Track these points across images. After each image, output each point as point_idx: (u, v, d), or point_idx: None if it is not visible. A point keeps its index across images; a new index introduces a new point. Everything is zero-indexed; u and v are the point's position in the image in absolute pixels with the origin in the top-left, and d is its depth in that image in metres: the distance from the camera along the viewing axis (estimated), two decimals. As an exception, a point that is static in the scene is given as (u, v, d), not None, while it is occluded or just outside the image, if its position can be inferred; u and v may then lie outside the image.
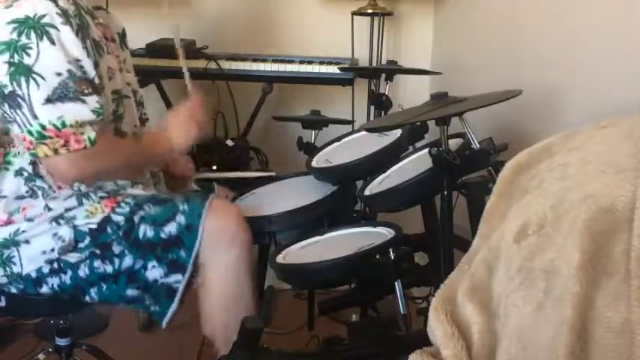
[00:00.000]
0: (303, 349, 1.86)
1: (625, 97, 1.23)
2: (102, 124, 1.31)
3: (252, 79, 2.25)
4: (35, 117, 1.24)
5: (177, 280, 1.37)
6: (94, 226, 1.35)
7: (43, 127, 1.24)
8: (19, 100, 1.23)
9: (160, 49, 2.24)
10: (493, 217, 1.04)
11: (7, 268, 1.34)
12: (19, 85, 1.23)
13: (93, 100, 1.28)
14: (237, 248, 1.38)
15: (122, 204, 1.38)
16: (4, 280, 1.36)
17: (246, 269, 1.41)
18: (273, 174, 1.72)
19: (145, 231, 1.36)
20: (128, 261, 1.36)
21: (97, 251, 1.35)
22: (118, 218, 1.36)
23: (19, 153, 1.34)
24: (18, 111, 1.24)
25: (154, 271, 1.37)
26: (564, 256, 0.81)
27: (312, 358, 1.49)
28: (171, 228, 1.36)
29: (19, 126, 1.25)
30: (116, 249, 1.36)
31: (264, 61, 2.25)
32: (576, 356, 0.77)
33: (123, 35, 1.57)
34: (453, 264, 1.19)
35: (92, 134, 1.28)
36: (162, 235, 1.36)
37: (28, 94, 1.23)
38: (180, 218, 1.36)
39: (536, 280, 0.84)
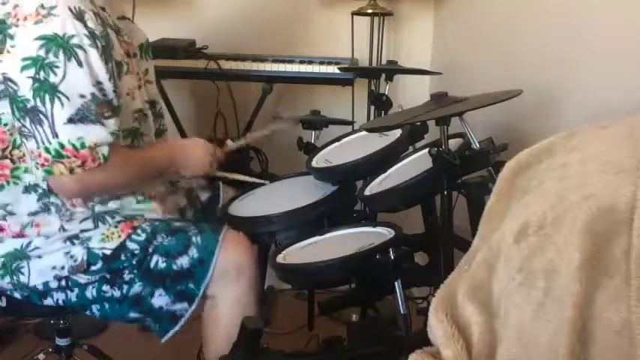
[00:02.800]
0: (303, 349, 1.86)
1: (625, 97, 1.23)
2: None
3: (252, 79, 2.25)
4: (55, 135, 1.23)
5: (184, 308, 1.37)
6: (108, 252, 1.34)
7: (62, 147, 1.23)
8: (41, 116, 1.22)
9: (160, 49, 2.24)
10: (493, 217, 1.04)
11: (15, 277, 1.34)
12: (43, 102, 1.22)
13: (112, 123, 1.28)
14: (245, 280, 1.39)
15: (139, 231, 1.37)
16: (10, 286, 1.35)
17: (253, 301, 1.41)
18: (266, 182, 1.72)
19: (157, 262, 1.35)
20: (137, 288, 1.36)
21: (108, 276, 1.35)
22: (133, 246, 1.35)
23: (30, 170, 1.32)
24: (38, 127, 1.23)
25: (160, 299, 1.36)
26: (564, 256, 0.81)
27: (312, 358, 1.49)
28: (183, 261, 1.35)
29: (37, 142, 1.24)
30: (127, 277, 1.35)
31: (264, 61, 2.25)
32: (576, 356, 0.77)
33: (147, 46, 1.56)
34: (453, 264, 1.19)
35: (106, 150, 1.27)
36: (174, 267, 1.35)
37: (52, 113, 1.22)
38: (193, 252, 1.36)
39: (537, 280, 0.84)
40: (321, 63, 2.25)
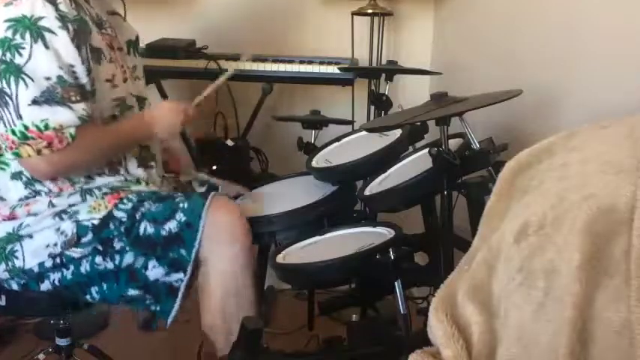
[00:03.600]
0: (303, 349, 1.86)
1: (625, 97, 1.23)
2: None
3: (252, 79, 2.25)
4: (20, 117, 1.24)
5: (179, 278, 1.37)
6: (97, 222, 1.35)
7: (26, 128, 1.24)
8: (7, 98, 1.24)
9: (160, 49, 2.24)
10: (493, 217, 1.04)
11: (10, 263, 1.35)
12: (8, 84, 1.23)
13: (79, 107, 1.29)
14: (237, 244, 1.39)
15: (125, 200, 1.38)
16: (6, 275, 1.36)
17: (246, 265, 1.41)
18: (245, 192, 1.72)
19: (146, 228, 1.36)
20: (129, 258, 1.36)
21: (99, 247, 1.36)
22: (121, 214, 1.36)
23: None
24: (5, 109, 1.24)
25: (155, 271, 1.37)
26: (564, 256, 0.81)
27: (312, 358, 1.49)
28: (171, 226, 1.36)
29: (4, 124, 1.25)
30: (117, 245, 1.36)
31: (264, 61, 2.25)
32: (576, 356, 0.77)
33: (136, 42, 1.57)
34: (453, 264, 1.19)
35: (73, 130, 1.28)
36: (163, 233, 1.36)
37: (16, 94, 1.23)
38: (180, 216, 1.36)
39: (537, 280, 0.84)
40: (321, 63, 2.25)
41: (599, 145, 0.95)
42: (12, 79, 1.23)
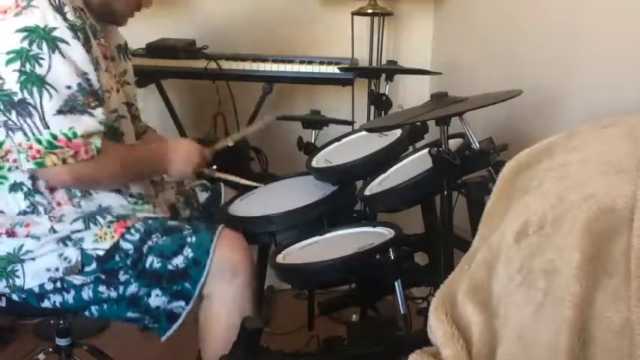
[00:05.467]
0: (303, 349, 1.86)
1: (625, 97, 1.23)
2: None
3: (252, 79, 2.25)
4: (47, 126, 1.23)
5: (180, 306, 1.36)
6: (102, 253, 1.33)
7: (55, 137, 1.24)
8: (30, 108, 1.23)
9: (160, 49, 2.24)
10: (493, 217, 1.04)
11: (10, 280, 1.33)
12: (31, 94, 1.22)
13: (99, 112, 1.30)
14: (241, 278, 1.37)
15: (132, 230, 1.36)
16: (6, 290, 1.35)
17: (249, 300, 1.40)
18: (260, 185, 1.72)
19: (153, 262, 1.34)
20: (133, 289, 1.35)
21: (103, 276, 1.34)
22: (127, 246, 1.34)
23: (16, 167, 1.32)
24: (27, 119, 1.23)
25: (157, 299, 1.36)
26: (564, 256, 0.81)
27: (312, 358, 1.49)
28: (178, 261, 1.34)
29: (26, 134, 1.24)
30: (122, 277, 1.34)
31: (264, 61, 2.25)
32: (576, 356, 0.77)
33: (125, 47, 1.57)
34: (453, 264, 1.19)
35: (99, 142, 1.29)
36: (170, 267, 1.34)
37: (41, 104, 1.23)
38: (188, 252, 1.35)
39: (536, 280, 0.84)
40: (321, 63, 2.25)
41: (599, 145, 0.95)
42: (34, 89, 1.22)
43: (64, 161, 1.25)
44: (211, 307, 1.38)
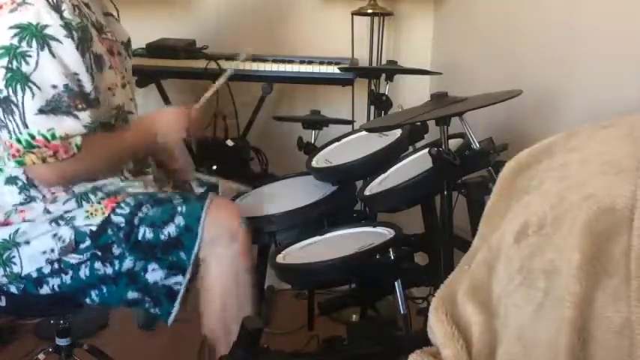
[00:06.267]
0: (303, 349, 1.86)
1: (625, 97, 1.23)
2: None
3: (252, 79, 2.25)
4: (26, 126, 1.23)
5: (178, 281, 1.36)
6: (94, 228, 1.34)
7: (32, 137, 1.24)
8: (13, 106, 1.23)
9: (160, 49, 2.24)
10: (493, 217, 1.04)
11: (7, 268, 1.34)
12: (15, 92, 1.22)
13: (85, 116, 1.29)
14: (236, 244, 1.38)
15: (122, 204, 1.37)
16: (4, 280, 1.35)
17: (245, 266, 1.40)
18: (248, 189, 1.72)
19: (145, 233, 1.35)
20: (128, 263, 1.36)
21: (98, 252, 1.35)
22: (118, 219, 1.35)
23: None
24: (10, 117, 1.23)
25: (154, 274, 1.36)
26: (564, 256, 0.81)
27: (312, 358, 1.49)
28: (170, 230, 1.35)
29: (9, 132, 1.24)
30: (116, 251, 1.35)
31: (264, 61, 2.25)
32: (576, 356, 0.77)
33: (128, 44, 1.56)
34: (453, 264, 1.19)
35: (79, 140, 1.29)
36: (162, 237, 1.35)
37: (22, 102, 1.23)
38: (179, 220, 1.36)
39: (536, 280, 0.84)
40: (321, 63, 2.25)
41: (599, 145, 0.95)
42: (18, 87, 1.22)
43: (43, 160, 1.26)
44: (208, 272, 1.38)
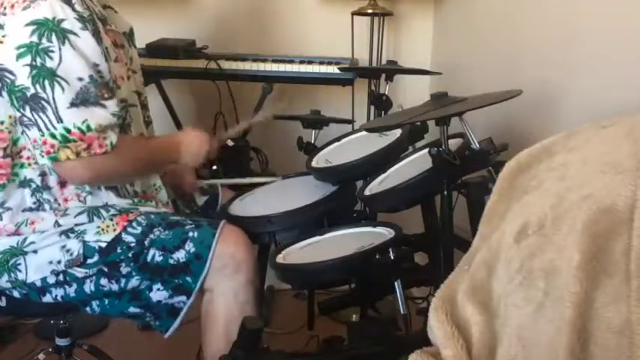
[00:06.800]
0: (303, 349, 1.86)
1: (625, 97, 1.23)
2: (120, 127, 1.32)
3: (252, 79, 2.25)
4: (60, 120, 1.23)
5: (182, 300, 1.36)
6: (104, 245, 1.33)
7: (68, 131, 1.23)
8: (44, 102, 1.22)
9: (160, 49, 2.24)
10: (493, 217, 1.04)
11: (12, 274, 1.33)
12: (44, 88, 1.22)
13: (112, 104, 1.29)
14: (243, 274, 1.37)
15: (134, 223, 1.36)
16: (8, 285, 1.35)
17: (251, 297, 1.39)
18: (276, 179, 1.72)
19: (154, 255, 1.34)
20: (134, 282, 1.35)
21: (105, 269, 1.34)
22: (129, 239, 1.34)
23: (29, 164, 1.33)
24: (41, 114, 1.23)
25: (159, 293, 1.36)
26: (564, 256, 0.81)
27: (312, 358, 1.49)
28: (180, 255, 1.34)
29: (40, 129, 1.23)
30: (124, 269, 1.34)
31: (264, 61, 2.25)
32: (576, 356, 0.77)
33: (130, 34, 1.55)
34: (453, 264, 1.19)
35: (114, 138, 1.28)
36: (171, 262, 1.34)
37: (53, 97, 1.22)
38: (190, 246, 1.35)
39: (536, 280, 0.84)
40: (321, 63, 2.25)
41: (599, 145, 0.95)
42: (46, 83, 1.21)
43: (77, 155, 1.25)
44: (212, 302, 1.38)
